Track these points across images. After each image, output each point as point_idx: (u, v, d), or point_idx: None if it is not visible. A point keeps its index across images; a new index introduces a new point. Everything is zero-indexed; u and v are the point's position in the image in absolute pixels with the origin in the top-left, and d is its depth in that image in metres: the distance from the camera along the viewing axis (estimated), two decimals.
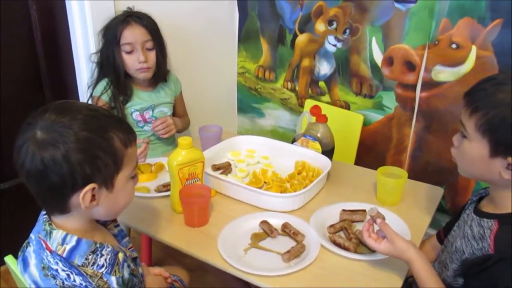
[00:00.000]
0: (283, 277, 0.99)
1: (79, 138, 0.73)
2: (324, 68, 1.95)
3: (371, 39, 1.75)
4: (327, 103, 1.99)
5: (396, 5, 1.64)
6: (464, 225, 0.96)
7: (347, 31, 1.82)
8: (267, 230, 1.14)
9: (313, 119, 1.51)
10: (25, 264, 0.83)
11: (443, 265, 0.99)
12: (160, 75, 1.67)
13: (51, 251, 0.79)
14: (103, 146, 0.76)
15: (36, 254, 0.82)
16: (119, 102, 1.58)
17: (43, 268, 0.80)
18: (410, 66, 1.68)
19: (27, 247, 0.85)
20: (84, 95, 1.69)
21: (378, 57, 1.76)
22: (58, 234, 0.79)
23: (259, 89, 2.28)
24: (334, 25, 1.85)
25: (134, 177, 0.86)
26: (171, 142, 1.77)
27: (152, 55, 1.59)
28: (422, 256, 0.91)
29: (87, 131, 0.75)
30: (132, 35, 1.54)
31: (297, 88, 2.10)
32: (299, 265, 1.02)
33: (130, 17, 1.55)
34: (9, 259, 0.92)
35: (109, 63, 1.56)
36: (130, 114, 1.63)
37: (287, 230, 1.15)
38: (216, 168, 1.46)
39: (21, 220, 1.86)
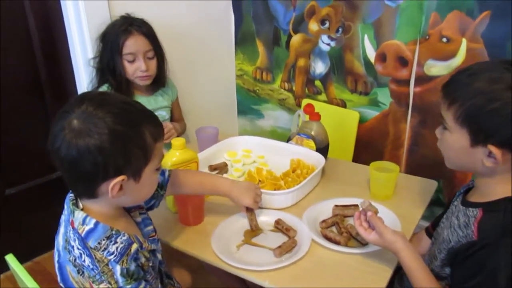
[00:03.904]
0: (273, 271, 1.02)
1: (113, 131, 0.76)
2: (319, 67, 1.97)
3: (364, 36, 1.77)
4: (324, 101, 2.01)
5: (386, 1, 1.66)
6: (452, 216, 0.97)
7: (340, 29, 1.84)
8: (249, 221, 1.16)
9: (307, 117, 1.53)
10: (58, 230, 0.88)
11: (432, 256, 1.00)
12: (160, 81, 1.71)
13: (73, 227, 0.83)
14: (136, 140, 0.80)
15: (65, 225, 0.86)
16: None
17: (66, 240, 0.85)
18: (403, 62, 1.70)
19: (62, 215, 0.89)
20: None
21: (371, 54, 1.77)
22: (79, 215, 0.83)
23: (257, 91, 2.31)
24: (327, 25, 1.87)
25: (158, 169, 0.89)
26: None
27: (153, 64, 1.63)
28: (410, 247, 0.93)
29: (120, 124, 0.77)
30: (135, 45, 1.57)
31: (294, 88, 2.12)
32: (289, 260, 1.04)
33: (132, 26, 1.58)
34: (10, 258, 0.95)
35: (109, 70, 1.60)
36: None
37: (279, 226, 1.17)
38: (212, 168, 1.48)
39: (28, 225, 1.92)
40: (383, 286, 0.96)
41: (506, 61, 0.84)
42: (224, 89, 2.43)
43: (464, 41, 1.53)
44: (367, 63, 1.80)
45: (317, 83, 2.01)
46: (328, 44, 1.90)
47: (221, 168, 1.49)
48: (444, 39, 1.57)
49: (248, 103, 2.39)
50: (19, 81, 1.75)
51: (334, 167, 1.53)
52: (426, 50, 1.62)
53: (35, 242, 1.81)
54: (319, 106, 1.99)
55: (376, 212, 1.01)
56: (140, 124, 0.81)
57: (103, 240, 0.82)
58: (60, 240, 0.87)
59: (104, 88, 1.63)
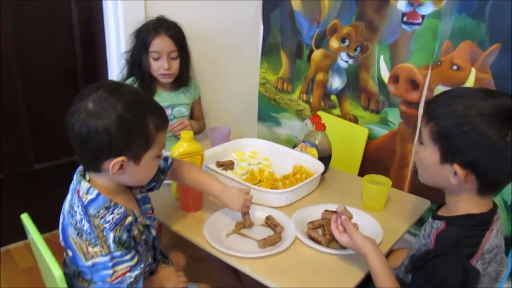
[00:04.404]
0: (254, 259, 1.11)
1: (121, 117, 0.88)
2: (336, 82, 2.05)
3: (379, 57, 1.84)
4: (338, 116, 2.09)
5: (404, 26, 1.73)
6: (422, 228, 1.03)
7: (358, 48, 1.92)
8: (244, 221, 1.25)
9: (314, 127, 1.62)
10: (66, 197, 1.00)
11: (401, 264, 1.06)
12: (181, 81, 1.84)
13: (78, 195, 0.95)
14: (139, 128, 0.91)
15: (72, 192, 0.98)
16: None
17: (71, 206, 0.97)
18: (414, 85, 1.76)
19: (71, 184, 1.01)
20: None
21: (385, 75, 1.84)
22: (84, 185, 0.95)
23: (277, 99, 2.41)
24: (347, 43, 1.96)
25: (159, 156, 1.00)
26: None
27: (176, 64, 1.77)
28: (377, 252, 1.00)
29: (128, 112, 0.89)
30: (160, 45, 1.72)
31: (311, 100, 2.21)
32: (271, 251, 1.13)
33: (161, 27, 1.72)
34: (24, 217, 1.08)
35: (136, 64, 1.75)
36: None
37: (269, 222, 1.26)
38: (220, 164, 1.59)
39: (50, 199, 2.08)
40: (351, 286, 1.03)
41: (485, 90, 0.89)
42: (247, 95, 2.54)
43: (473, 70, 1.58)
44: (380, 82, 1.87)
45: (333, 97, 2.09)
46: (346, 62, 1.98)
47: (228, 165, 1.59)
48: (455, 67, 1.62)
49: (268, 111, 2.49)
50: (59, 67, 1.94)
51: (335, 176, 1.61)
52: (437, 76, 1.68)
53: (55, 216, 1.97)
54: (332, 120, 2.08)
55: (350, 217, 1.09)
56: (146, 115, 0.92)
57: (102, 209, 0.93)
58: (66, 205, 0.99)
59: (130, 80, 1.77)
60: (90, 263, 0.92)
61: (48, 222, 1.43)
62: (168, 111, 1.84)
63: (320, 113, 2.14)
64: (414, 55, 1.73)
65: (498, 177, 0.88)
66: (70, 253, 0.96)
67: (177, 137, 1.86)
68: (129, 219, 0.96)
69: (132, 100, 0.91)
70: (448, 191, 0.97)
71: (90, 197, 0.94)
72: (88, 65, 1.98)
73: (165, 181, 1.43)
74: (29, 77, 1.86)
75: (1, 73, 1.76)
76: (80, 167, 0.99)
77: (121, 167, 0.93)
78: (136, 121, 0.90)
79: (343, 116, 2.07)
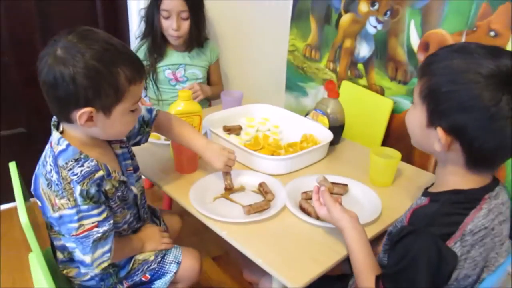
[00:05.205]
0: (234, 225, 1.05)
1: (88, 66, 0.83)
2: (364, 50, 1.91)
3: (410, 22, 1.68)
4: (364, 86, 1.95)
5: None
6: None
7: (388, 12, 1.76)
8: (224, 180, 1.19)
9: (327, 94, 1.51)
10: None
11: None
12: (191, 42, 1.78)
13: (50, 146, 0.93)
14: (108, 78, 0.85)
15: (48, 144, 0.95)
16: (153, 58, 1.74)
17: (44, 156, 0.95)
18: None
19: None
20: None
21: (415, 42, 1.68)
22: (55, 135, 0.93)
23: (305, 68, 2.30)
24: (376, 6, 1.80)
25: (134, 111, 0.95)
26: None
27: (186, 25, 1.71)
28: (356, 228, 0.91)
29: (96, 61, 0.83)
30: (171, 4, 1.67)
31: (338, 69, 2.08)
32: (254, 218, 1.07)
33: None
34: (12, 165, 1.09)
35: (148, 22, 1.72)
36: (162, 72, 1.77)
37: (261, 188, 1.20)
38: (227, 129, 1.54)
39: None
40: (331, 263, 0.95)
41: (492, 48, 0.75)
42: (275, 63, 2.44)
43: None
44: (410, 50, 1.71)
45: (360, 66, 1.95)
46: (375, 27, 1.83)
47: (235, 130, 1.53)
48: (492, 33, 1.44)
49: (295, 80, 2.38)
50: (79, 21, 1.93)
51: (347, 148, 1.51)
52: None
53: None
54: (356, 90, 1.95)
55: (330, 188, 1.00)
56: (116, 65, 0.86)
57: (71, 161, 0.90)
58: (42, 155, 0.97)
59: (144, 41, 1.75)
60: (57, 214, 0.90)
61: None
62: (181, 72, 1.80)
63: (345, 82, 2.01)
64: (447, 19, 1.55)
65: (485, 148, 0.75)
66: (39, 203, 0.96)
67: None
68: (100, 173, 0.93)
69: (103, 47, 0.86)
70: (438, 162, 0.86)
71: (60, 148, 0.91)
72: (109, 24, 1.97)
73: (164, 141, 1.41)
74: (49, 36, 1.87)
75: (23, 30, 1.79)
76: (54, 118, 0.97)
77: (91, 118, 0.89)
78: (105, 70, 0.85)
79: (369, 86, 1.93)
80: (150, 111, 1.15)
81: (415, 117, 0.83)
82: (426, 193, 0.87)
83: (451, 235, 0.75)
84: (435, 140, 0.79)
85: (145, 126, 1.13)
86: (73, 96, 0.85)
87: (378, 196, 1.18)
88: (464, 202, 0.78)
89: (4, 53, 1.74)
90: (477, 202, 0.78)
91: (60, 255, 1.04)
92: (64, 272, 1.05)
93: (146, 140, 1.17)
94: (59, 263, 1.05)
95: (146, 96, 1.89)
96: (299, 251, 0.98)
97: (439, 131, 0.77)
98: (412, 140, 0.90)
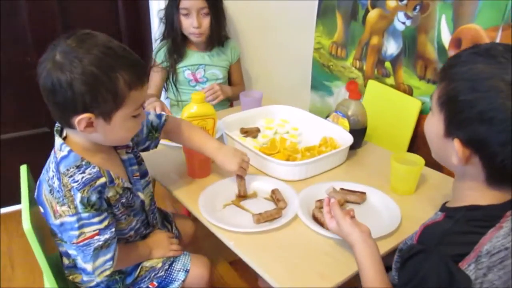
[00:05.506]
0: (242, 234, 1.01)
1: (86, 72, 0.80)
2: (391, 47, 1.81)
3: (441, 17, 1.57)
4: (391, 85, 1.85)
5: None
6: None
7: (417, 7, 1.65)
8: (238, 186, 1.14)
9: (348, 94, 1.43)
10: None
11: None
12: (213, 40, 1.74)
13: (54, 152, 0.92)
14: (106, 84, 0.82)
15: (53, 150, 0.94)
16: (173, 59, 1.71)
17: (48, 162, 0.93)
18: None
19: None
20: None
21: (446, 38, 1.57)
22: (58, 141, 0.91)
23: (331, 66, 2.22)
24: (405, 1, 1.70)
25: (137, 116, 0.91)
26: (219, 108, 1.83)
27: (206, 22, 1.68)
28: (367, 244, 0.84)
29: (95, 66, 0.81)
30: (190, 2, 1.64)
31: (364, 68, 1.99)
32: (262, 228, 1.02)
33: None
34: (22, 168, 1.09)
35: (168, 23, 1.69)
36: (182, 72, 1.75)
37: (273, 195, 1.15)
38: (244, 131, 1.49)
39: None
40: (341, 279, 0.89)
41: None
42: (301, 61, 2.37)
43: None
44: (440, 47, 1.60)
45: (387, 64, 1.86)
46: (404, 23, 1.73)
47: (252, 132, 1.49)
48: None
49: (321, 79, 2.31)
50: (102, 29, 1.91)
51: (370, 152, 1.43)
52: (508, 39, 1.38)
53: None
54: (383, 90, 1.86)
55: (340, 201, 0.93)
56: (115, 70, 0.83)
57: (72, 168, 0.88)
58: (47, 161, 0.96)
59: (164, 42, 1.73)
60: (58, 221, 0.89)
61: None
62: (201, 73, 1.77)
63: (371, 82, 1.92)
64: (481, 14, 1.44)
65: (508, 163, 0.67)
66: (41, 209, 0.94)
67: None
68: (102, 180, 0.90)
69: (102, 52, 0.83)
70: (455, 175, 0.78)
71: (62, 154, 0.89)
72: (131, 26, 1.96)
73: (176, 144, 1.38)
74: None
75: (45, 31, 1.80)
76: (57, 123, 0.95)
77: (91, 124, 0.86)
78: (102, 76, 0.82)
79: (397, 86, 1.83)
80: (159, 116, 1.12)
81: (433, 126, 0.75)
82: (443, 207, 0.79)
83: (465, 256, 0.67)
84: (452, 152, 0.71)
85: (154, 131, 1.10)
86: (71, 102, 0.82)
87: (398, 205, 1.10)
88: (482, 219, 0.70)
89: (28, 54, 1.77)
90: (497, 219, 0.69)
91: (65, 261, 1.03)
92: (70, 278, 1.04)
93: (156, 146, 1.14)
94: (65, 269, 1.04)
95: (167, 98, 1.87)
96: (308, 265, 0.93)
97: (456, 143, 0.70)
98: (432, 151, 0.82)
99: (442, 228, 0.72)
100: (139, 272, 1.08)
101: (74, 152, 0.89)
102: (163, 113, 1.14)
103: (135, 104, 0.88)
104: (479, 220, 0.70)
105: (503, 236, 0.68)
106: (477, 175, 0.71)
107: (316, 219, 1.06)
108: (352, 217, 0.92)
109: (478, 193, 0.73)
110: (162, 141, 1.39)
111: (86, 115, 0.84)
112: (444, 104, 0.71)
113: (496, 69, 0.65)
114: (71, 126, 0.87)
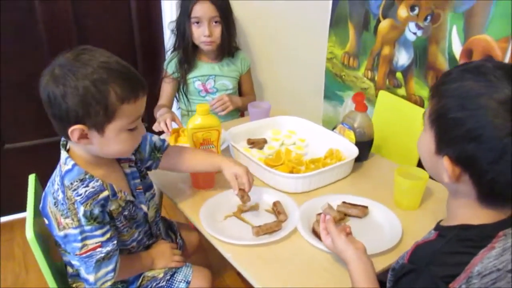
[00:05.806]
0: (241, 247, 1.01)
1: (78, 86, 0.83)
2: (403, 58, 1.79)
3: (452, 27, 1.55)
4: (402, 96, 1.83)
5: None
6: None
7: (428, 17, 1.63)
8: (241, 199, 1.13)
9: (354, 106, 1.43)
10: None
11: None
12: (223, 50, 1.76)
13: (60, 165, 0.95)
14: (96, 97, 0.84)
15: (59, 163, 0.96)
16: (184, 69, 1.74)
17: (54, 175, 0.96)
18: None
19: None
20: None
21: (457, 49, 1.55)
22: (63, 155, 0.94)
23: (343, 76, 2.21)
24: (416, 11, 1.68)
25: (134, 129, 0.92)
26: (229, 118, 1.84)
27: (218, 30, 1.70)
28: (362, 261, 0.84)
29: (88, 80, 0.83)
30: (201, 10, 1.66)
31: (376, 78, 1.97)
32: (261, 240, 1.02)
33: None
34: (31, 178, 1.13)
35: (179, 33, 1.72)
36: (192, 83, 1.77)
37: (275, 208, 1.15)
38: (250, 142, 1.50)
39: None
40: None
41: None
42: (314, 72, 2.37)
43: None
44: (451, 58, 1.58)
45: (398, 75, 1.84)
46: (415, 33, 1.71)
47: (259, 143, 1.49)
48: None
49: (334, 88, 2.30)
50: (117, 44, 1.93)
51: (376, 165, 1.42)
52: None
53: None
54: (394, 101, 1.84)
55: (335, 217, 0.93)
56: (106, 83, 0.84)
57: (76, 181, 0.90)
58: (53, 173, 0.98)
59: (175, 53, 1.76)
60: (62, 233, 0.91)
61: None
62: (211, 83, 1.79)
63: (382, 92, 1.90)
64: (492, 24, 1.41)
65: (498, 182, 0.65)
66: (46, 221, 0.97)
67: (220, 117, 1.73)
68: (105, 193, 0.92)
69: (96, 66, 0.85)
70: (448, 193, 0.77)
71: (66, 167, 0.91)
72: (144, 39, 1.99)
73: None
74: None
75: (62, 43, 1.85)
76: (63, 138, 0.97)
77: (86, 136, 0.88)
78: (93, 89, 0.83)
79: (408, 97, 1.81)
80: (163, 140, 1.14)
81: (425, 143, 0.74)
82: (437, 226, 0.78)
83: (455, 276, 0.66)
84: (443, 170, 0.70)
85: (156, 151, 1.12)
86: (65, 114, 0.85)
87: (401, 221, 1.08)
88: (473, 239, 0.69)
89: (44, 66, 1.83)
90: (489, 239, 0.68)
91: (69, 269, 1.06)
92: (74, 286, 1.06)
93: (157, 167, 1.15)
94: (69, 277, 1.06)
95: (178, 108, 1.90)
96: (305, 280, 0.92)
97: (445, 161, 0.69)
98: (425, 168, 0.81)
99: (434, 248, 0.71)
100: (141, 282, 1.09)
101: (78, 166, 0.91)
102: (165, 139, 1.17)
103: (128, 117, 0.89)
104: (470, 240, 0.69)
105: (495, 257, 0.67)
106: (469, 193, 0.70)
107: (315, 233, 1.05)
108: (348, 233, 0.91)
109: (471, 212, 0.71)
110: None
111: (78, 126, 0.86)
112: (435, 121, 0.70)
113: (485, 87, 0.64)
114: (69, 138, 0.90)
